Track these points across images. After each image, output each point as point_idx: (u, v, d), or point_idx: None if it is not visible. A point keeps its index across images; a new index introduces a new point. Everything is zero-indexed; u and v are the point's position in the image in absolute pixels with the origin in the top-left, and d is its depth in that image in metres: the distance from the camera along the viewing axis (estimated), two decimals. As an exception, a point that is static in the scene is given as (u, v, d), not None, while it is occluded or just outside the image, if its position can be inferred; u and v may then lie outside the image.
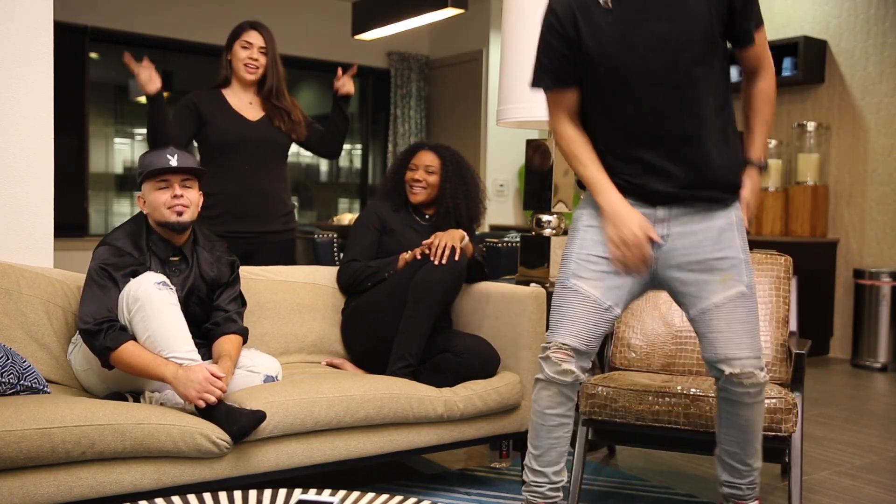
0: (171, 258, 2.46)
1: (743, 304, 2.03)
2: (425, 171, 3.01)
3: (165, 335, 2.21)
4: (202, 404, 2.15)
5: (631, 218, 2.02)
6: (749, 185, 2.11)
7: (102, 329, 2.22)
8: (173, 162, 2.38)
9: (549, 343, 2.10)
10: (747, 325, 2.04)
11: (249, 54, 3.16)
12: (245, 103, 3.22)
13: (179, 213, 2.39)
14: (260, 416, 2.18)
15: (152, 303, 2.21)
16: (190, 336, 2.27)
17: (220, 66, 3.25)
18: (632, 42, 1.98)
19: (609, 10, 1.99)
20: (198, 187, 2.48)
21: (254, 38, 3.17)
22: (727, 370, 2.04)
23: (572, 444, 3.03)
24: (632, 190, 2.07)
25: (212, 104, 3.17)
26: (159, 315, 2.21)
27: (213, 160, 3.16)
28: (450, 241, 2.78)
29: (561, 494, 2.20)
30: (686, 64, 1.97)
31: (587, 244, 2.11)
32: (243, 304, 2.62)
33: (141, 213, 2.48)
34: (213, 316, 2.52)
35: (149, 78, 2.97)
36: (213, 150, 3.17)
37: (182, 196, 2.39)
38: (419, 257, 2.81)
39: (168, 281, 2.31)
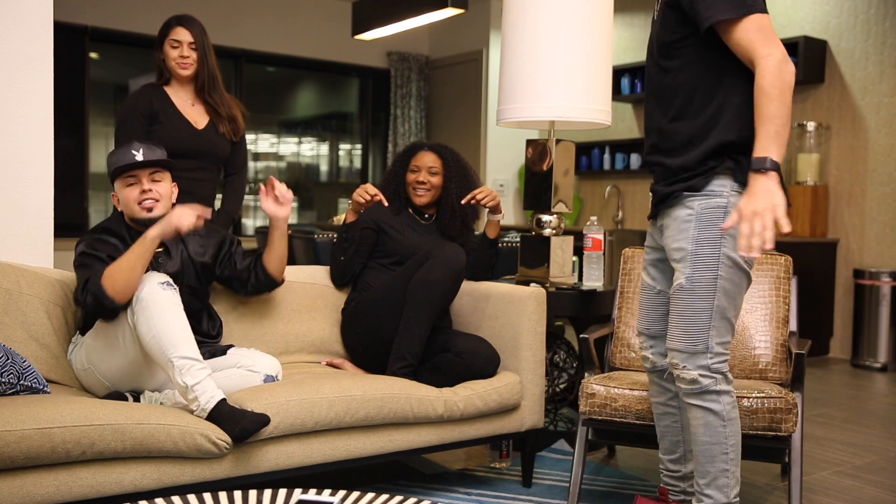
0: (155, 250, 2.42)
1: (680, 298, 2.04)
2: (428, 173, 3.00)
3: (170, 335, 2.19)
4: (185, 225, 2.26)
5: None
6: (747, 190, 1.91)
7: (87, 291, 2.24)
8: (139, 157, 2.37)
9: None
10: (681, 318, 2.04)
11: (180, 52, 3.07)
12: (188, 104, 3.12)
13: (149, 209, 2.39)
14: (263, 420, 2.17)
15: (157, 303, 2.20)
16: (193, 338, 2.25)
17: (156, 67, 3.15)
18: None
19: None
20: (170, 179, 2.46)
21: (181, 34, 3.08)
22: (668, 359, 2.12)
23: (572, 445, 3.04)
24: None
25: (161, 103, 3.07)
26: (163, 316, 2.20)
27: None
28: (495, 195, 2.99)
29: (681, 486, 2.33)
30: (652, 62, 2.15)
31: (647, 236, 2.29)
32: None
33: (119, 210, 2.48)
34: (240, 274, 2.65)
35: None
36: None
37: (150, 190, 2.39)
38: (361, 199, 2.94)
39: (171, 281, 2.30)
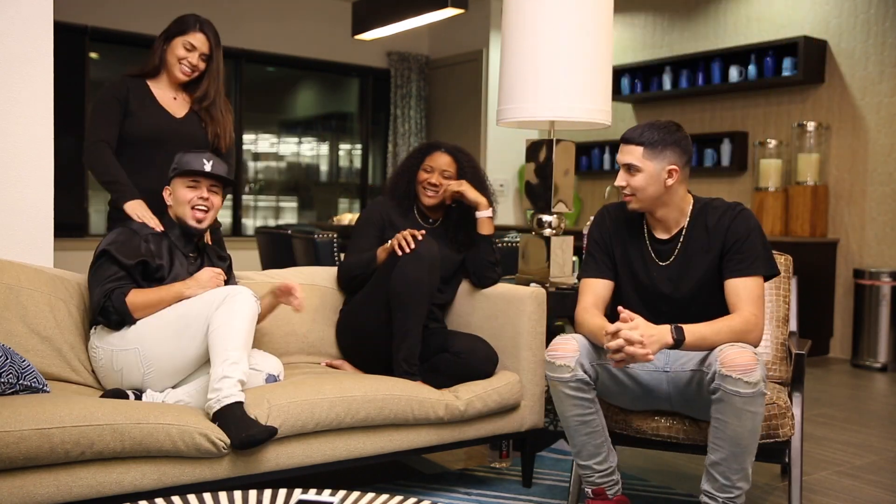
0: (190, 254, 2.57)
1: None
2: (441, 176, 2.94)
3: (240, 333, 2.27)
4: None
5: None
6: (648, 327, 2.12)
7: (110, 300, 2.35)
8: (207, 167, 2.51)
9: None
10: None
11: (189, 58, 2.84)
12: (169, 97, 2.91)
13: (199, 220, 2.52)
14: (272, 432, 2.18)
15: (243, 307, 2.30)
16: (249, 353, 2.33)
17: (152, 54, 2.88)
18: None
19: None
20: (222, 194, 2.60)
21: (199, 41, 2.84)
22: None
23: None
24: None
25: (138, 95, 2.86)
26: (244, 316, 2.29)
27: (135, 155, 2.85)
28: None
29: (614, 478, 2.35)
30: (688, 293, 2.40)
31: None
32: None
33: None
34: None
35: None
36: (135, 144, 2.84)
37: (207, 199, 2.52)
38: (399, 251, 2.71)
39: (261, 302, 2.47)
